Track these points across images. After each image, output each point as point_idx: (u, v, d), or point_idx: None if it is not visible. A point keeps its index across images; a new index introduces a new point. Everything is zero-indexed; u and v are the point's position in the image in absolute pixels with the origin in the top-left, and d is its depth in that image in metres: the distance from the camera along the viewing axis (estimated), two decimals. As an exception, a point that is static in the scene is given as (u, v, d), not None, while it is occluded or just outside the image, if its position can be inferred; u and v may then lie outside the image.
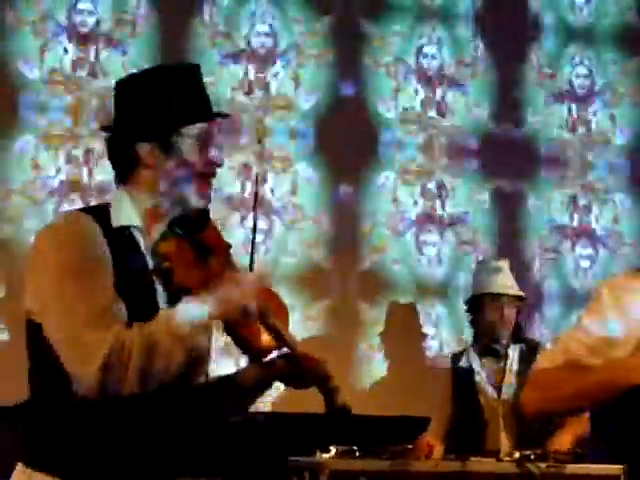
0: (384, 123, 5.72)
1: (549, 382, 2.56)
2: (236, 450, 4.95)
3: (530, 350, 4.77)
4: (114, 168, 2.43)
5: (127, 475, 2.29)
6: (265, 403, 5.21)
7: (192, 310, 2.27)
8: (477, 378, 4.76)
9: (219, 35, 5.50)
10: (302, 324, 5.41)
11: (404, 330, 5.75)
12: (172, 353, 2.23)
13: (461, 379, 4.78)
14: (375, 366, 5.62)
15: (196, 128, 2.40)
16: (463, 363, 4.81)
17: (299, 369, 2.38)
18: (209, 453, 4.66)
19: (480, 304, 4.80)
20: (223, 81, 5.44)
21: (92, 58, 5.27)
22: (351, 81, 5.73)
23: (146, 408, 2.28)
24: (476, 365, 4.79)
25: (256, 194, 2.73)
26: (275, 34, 5.62)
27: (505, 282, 4.79)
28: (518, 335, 4.84)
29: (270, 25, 5.61)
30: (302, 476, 4.09)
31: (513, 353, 4.79)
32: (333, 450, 4.14)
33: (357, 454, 4.16)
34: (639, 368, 2.43)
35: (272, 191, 5.53)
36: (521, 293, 4.84)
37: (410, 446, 4.22)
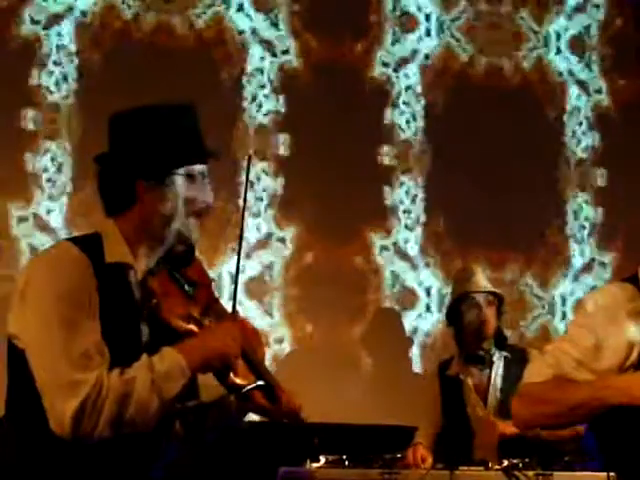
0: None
1: (538, 397, 2.57)
2: (226, 460, 4.97)
3: (516, 358, 4.78)
4: (106, 200, 2.48)
5: None
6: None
7: (171, 361, 2.31)
8: (464, 387, 4.78)
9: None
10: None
11: (392, 338, 5.81)
12: (148, 403, 2.27)
13: (448, 388, 4.80)
14: (365, 375, 5.66)
15: (193, 168, 2.46)
16: (450, 372, 4.84)
17: (273, 401, 2.45)
18: (199, 463, 4.70)
19: (458, 309, 4.82)
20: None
21: None
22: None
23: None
24: (462, 374, 4.81)
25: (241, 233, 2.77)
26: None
27: (478, 282, 4.82)
28: (502, 342, 4.85)
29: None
30: (292, 486, 4.11)
31: (498, 361, 4.80)
32: (323, 459, 4.16)
33: (347, 463, 4.18)
34: (623, 390, 2.44)
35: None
36: (496, 290, 4.86)
37: (400, 455, 4.24)
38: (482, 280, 4.85)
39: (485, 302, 4.79)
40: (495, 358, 4.80)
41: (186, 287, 2.46)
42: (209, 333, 2.39)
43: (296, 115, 5.79)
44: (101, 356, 2.29)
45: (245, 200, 2.74)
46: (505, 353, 4.81)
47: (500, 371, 4.78)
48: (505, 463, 4.29)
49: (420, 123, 6.03)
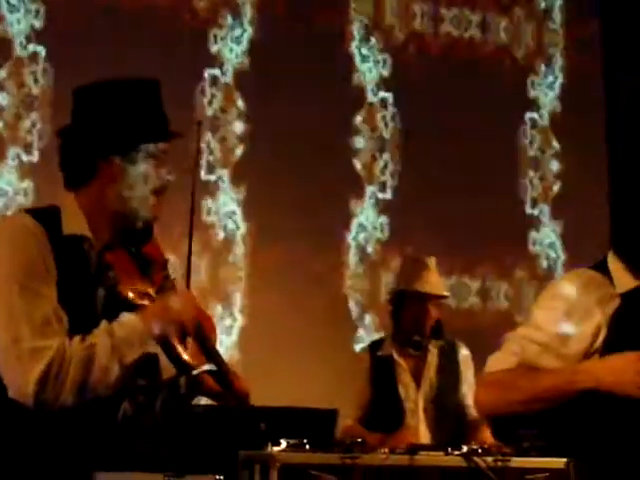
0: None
1: (503, 384, 2.56)
2: (187, 443, 4.96)
3: (449, 350, 4.82)
4: (67, 174, 2.47)
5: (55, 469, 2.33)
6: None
7: (131, 326, 2.33)
8: (397, 368, 4.77)
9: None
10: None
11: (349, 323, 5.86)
12: (109, 368, 2.28)
13: (380, 368, 4.77)
14: (326, 361, 5.68)
15: (155, 146, 2.45)
16: (382, 352, 4.81)
17: (224, 385, 2.46)
18: (159, 446, 4.69)
19: (405, 299, 4.80)
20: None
21: None
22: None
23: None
24: (396, 355, 4.79)
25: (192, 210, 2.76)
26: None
27: (433, 281, 4.79)
28: (439, 331, 4.84)
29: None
30: (253, 469, 4.11)
31: (433, 349, 4.82)
32: (284, 443, 4.16)
33: (308, 447, 4.19)
34: (591, 374, 2.45)
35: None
36: (447, 294, 4.85)
37: (360, 440, 4.25)
38: (435, 280, 4.81)
39: (433, 301, 4.78)
40: (431, 346, 4.81)
41: (142, 264, 2.46)
42: (166, 300, 2.40)
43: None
44: (60, 323, 2.30)
45: (196, 166, 2.73)
46: (441, 342, 4.83)
47: (435, 360, 4.79)
48: (465, 448, 4.33)
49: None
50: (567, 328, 2.53)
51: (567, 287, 2.59)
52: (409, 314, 4.78)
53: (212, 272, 5.73)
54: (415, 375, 4.77)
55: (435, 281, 4.80)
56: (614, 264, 2.57)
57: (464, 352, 4.85)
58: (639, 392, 2.37)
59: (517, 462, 4.26)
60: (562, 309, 2.55)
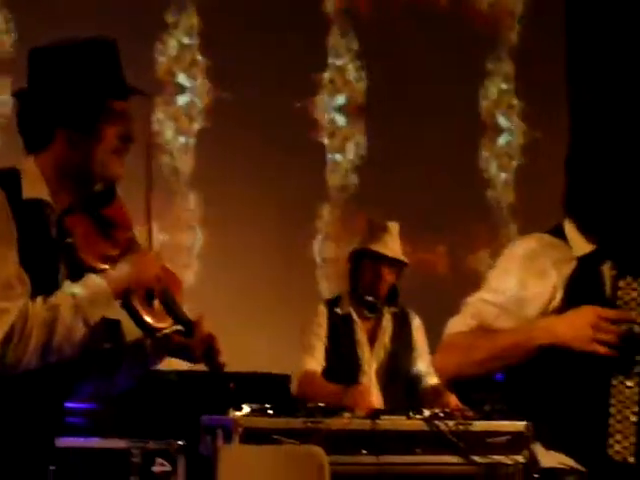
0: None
1: (462, 347, 2.55)
2: (149, 409, 4.96)
3: (402, 318, 4.82)
4: (25, 138, 2.44)
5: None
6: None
7: (94, 286, 2.31)
8: (355, 327, 4.76)
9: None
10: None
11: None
12: (73, 328, 2.27)
13: (339, 325, 4.76)
14: (290, 326, 5.69)
15: (113, 105, 2.42)
16: (341, 310, 4.79)
17: (190, 345, 2.45)
18: (122, 412, 4.69)
19: (362, 259, 4.78)
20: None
21: None
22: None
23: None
24: (355, 315, 4.78)
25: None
26: None
27: (390, 244, 4.77)
28: (393, 297, 4.84)
29: None
30: (215, 434, 4.12)
31: (387, 315, 4.81)
32: (246, 408, 4.17)
33: (270, 412, 4.20)
34: (548, 330, 2.46)
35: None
36: (404, 259, 4.82)
37: (322, 404, 4.26)
38: (394, 244, 4.79)
39: (388, 265, 4.76)
40: (385, 312, 4.81)
41: (104, 227, 2.43)
42: (130, 261, 2.38)
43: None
44: (23, 285, 2.27)
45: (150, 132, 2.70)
46: (395, 309, 4.84)
47: (390, 326, 4.79)
48: (427, 413, 4.36)
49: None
50: (523, 289, 2.53)
51: (523, 249, 2.59)
52: (364, 274, 4.76)
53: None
54: (370, 338, 4.77)
55: (393, 245, 4.78)
56: (570, 229, 2.58)
57: (416, 321, 4.85)
58: (595, 346, 2.39)
59: (478, 426, 4.30)
60: (518, 271, 2.55)
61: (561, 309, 2.50)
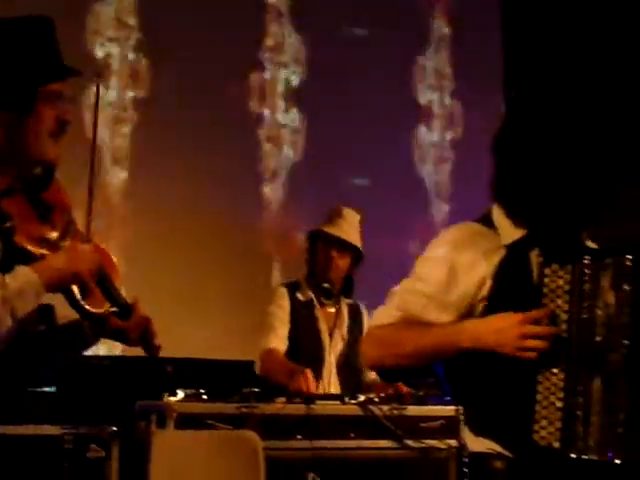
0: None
1: (388, 339, 2.56)
2: (84, 394, 4.93)
3: (357, 310, 4.85)
4: None
5: None
6: (115, 347, 5.22)
7: (24, 279, 2.29)
8: (317, 314, 4.79)
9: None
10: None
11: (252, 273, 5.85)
12: (1, 319, 2.25)
13: (301, 310, 4.77)
14: (225, 311, 5.68)
15: (51, 86, 2.39)
16: (303, 296, 4.80)
17: (127, 327, 2.44)
18: (55, 399, 4.65)
19: (316, 242, 4.79)
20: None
21: None
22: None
23: None
24: (315, 301, 4.79)
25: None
26: None
27: (344, 227, 4.78)
28: (348, 289, 4.85)
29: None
30: (149, 419, 4.10)
31: (344, 306, 4.84)
32: (181, 394, 4.15)
33: (205, 397, 4.19)
34: (473, 334, 2.47)
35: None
36: (356, 244, 4.80)
37: (257, 390, 4.26)
38: (348, 229, 4.80)
39: (338, 249, 4.76)
40: (342, 303, 4.83)
41: (43, 210, 2.41)
42: (65, 253, 2.36)
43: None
44: None
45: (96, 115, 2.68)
46: (350, 302, 4.85)
47: (347, 318, 4.81)
48: (361, 397, 4.38)
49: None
50: (452, 279, 2.53)
51: (452, 239, 2.59)
52: (318, 257, 4.77)
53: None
54: (329, 327, 4.78)
55: (347, 230, 4.78)
56: (499, 216, 2.57)
57: (367, 316, 4.83)
58: (517, 351, 2.41)
59: (412, 410, 4.33)
60: (447, 260, 2.54)
61: (490, 299, 2.51)
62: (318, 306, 4.79)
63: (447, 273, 2.53)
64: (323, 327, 4.77)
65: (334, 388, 4.67)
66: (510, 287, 2.50)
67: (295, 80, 6.25)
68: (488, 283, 2.51)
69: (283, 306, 4.76)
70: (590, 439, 2.37)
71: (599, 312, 2.40)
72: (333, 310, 4.82)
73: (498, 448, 2.49)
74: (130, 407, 4.21)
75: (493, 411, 2.51)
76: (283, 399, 4.22)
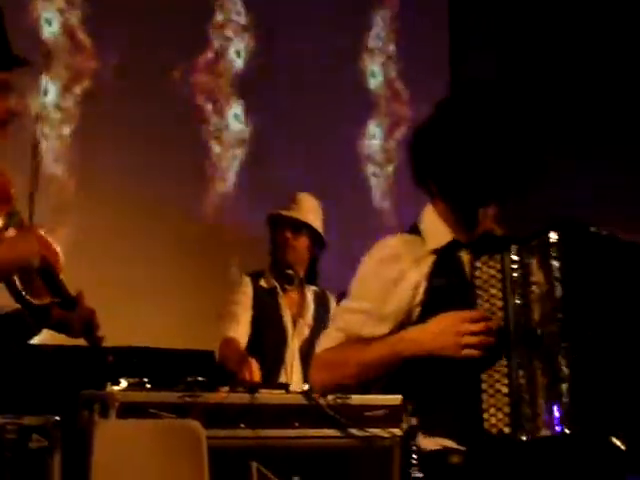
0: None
1: (332, 362, 2.62)
2: (26, 383, 4.89)
3: (323, 297, 4.84)
4: None
5: None
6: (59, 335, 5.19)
7: None
8: (280, 301, 4.77)
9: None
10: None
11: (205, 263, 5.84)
12: None
13: (264, 299, 4.76)
14: (171, 299, 5.67)
15: None
16: (266, 284, 4.79)
17: (70, 319, 2.43)
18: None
19: (275, 227, 4.78)
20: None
21: None
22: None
23: None
24: (279, 289, 4.78)
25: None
26: None
27: (297, 209, 4.78)
28: (312, 276, 4.85)
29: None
30: (92, 409, 4.07)
31: (309, 294, 4.83)
32: (124, 382, 4.13)
33: (148, 386, 4.17)
34: (413, 342, 2.52)
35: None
36: (310, 223, 4.78)
37: (201, 379, 4.24)
38: (302, 210, 4.79)
39: (292, 230, 4.76)
40: (307, 291, 4.82)
41: None
42: (6, 243, 2.34)
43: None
44: None
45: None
46: (315, 289, 4.85)
47: (312, 306, 4.81)
48: (306, 387, 4.39)
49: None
50: (386, 291, 2.58)
51: (382, 252, 2.65)
52: (276, 242, 4.77)
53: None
54: (294, 314, 4.78)
55: (299, 210, 4.77)
56: (428, 221, 2.65)
57: (334, 303, 4.83)
58: (460, 351, 2.45)
59: (356, 399, 4.34)
60: (378, 275, 2.60)
61: (424, 302, 2.57)
62: (281, 293, 4.78)
63: (380, 287, 2.59)
64: (286, 314, 4.77)
65: (297, 374, 4.66)
66: (443, 287, 2.56)
67: (240, 66, 6.23)
68: (421, 288, 2.58)
69: (246, 293, 4.75)
70: (538, 418, 2.41)
71: (532, 294, 2.46)
72: (297, 297, 4.80)
73: (452, 444, 2.54)
74: (73, 397, 4.19)
75: (443, 409, 2.56)
76: (227, 388, 4.21)
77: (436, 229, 2.63)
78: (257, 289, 4.77)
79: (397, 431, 4.35)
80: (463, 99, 2.58)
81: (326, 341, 2.66)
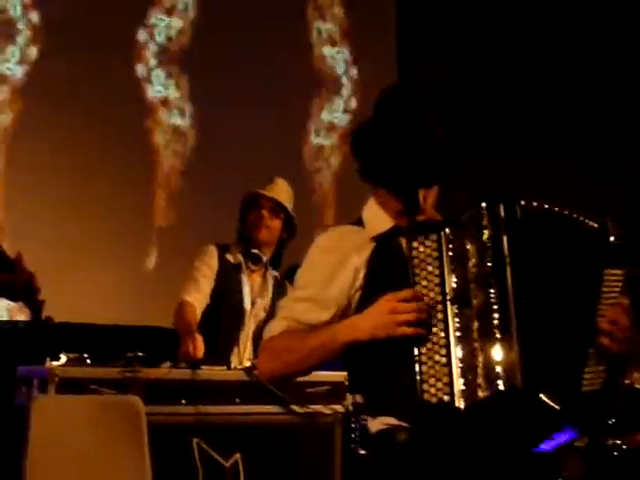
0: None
1: (277, 350, 2.65)
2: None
3: (282, 284, 4.79)
4: None
5: None
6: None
7: None
8: (243, 279, 4.74)
9: None
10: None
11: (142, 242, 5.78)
12: None
13: (229, 272, 4.72)
14: (113, 274, 5.62)
15: None
16: (233, 259, 4.75)
17: (10, 282, 2.39)
18: None
19: (247, 206, 4.76)
20: None
21: None
22: None
23: None
24: (244, 267, 4.75)
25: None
26: None
27: (276, 191, 4.76)
28: (277, 261, 4.82)
29: None
30: (31, 385, 4.03)
31: (270, 277, 4.80)
32: (63, 358, 4.08)
33: (88, 362, 4.12)
34: (351, 327, 2.56)
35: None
36: (286, 205, 4.77)
37: (142, 354, 4.21)
38: (280, 192, 4.77)
39: (269, 210, 4.73)
40: (268, 274, 4.80)
41: None
42: None
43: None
44: None
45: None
46: (276, 273, 4.83)
47: (271, 289, 4.78)
48: (248, 364, 4.37)
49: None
50: (329, 278, 2.65)
51: (324, 241, 2.73)
52: (248, 219, 4.73)
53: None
54: (253, 295, 4.74)
55: (278, 192, 4.75)
56: (370, 211, 2.74)
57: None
58: (396, 330, 2.49)
59: (300, 376, 4.31)
60: (322, 262, 2.67)
61: (364, 286, 2.63)
62: (247, 271, 4.75)
63: (323, 274, 2.66)
64: (247, 293, 4.73)
65: (248, 355, 4.63)
66: (382, 272, 2.62)
67: (181, 43, 6.18)
68: (361, 273, 2.64)
69: (211, 264, 4.72)
70: (475, 385, 2.44)
71: (468, 268, 2.52)
72: (259, 278, 4.78)
73: (396, 421, 2.56)
74: (11, 372, 4.13)
75: (384, 388, 2.59)
76: (168, 364, 4.18)
77: (378, 218, 2.72)
78: (223, 262, 4.74)
79: (339, 408, 4.35)
80: (394, 99, 2.70)
81: (272, 330, 2.70)
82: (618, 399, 2.61)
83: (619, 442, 4.32)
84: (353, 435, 3.45)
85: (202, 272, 4.69)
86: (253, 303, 4.73)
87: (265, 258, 4.76)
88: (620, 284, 2.62)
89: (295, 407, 4.30)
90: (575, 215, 2.62)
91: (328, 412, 4.34)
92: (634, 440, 5.18)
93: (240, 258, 4.76)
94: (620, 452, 4.29)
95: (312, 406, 4.33)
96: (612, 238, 2.63)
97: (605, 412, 2.59)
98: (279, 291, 4.75)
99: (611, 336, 2.56)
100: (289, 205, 4.79)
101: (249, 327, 4.69)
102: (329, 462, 4.35)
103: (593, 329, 2.57)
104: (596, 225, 2.64)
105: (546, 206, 2.59)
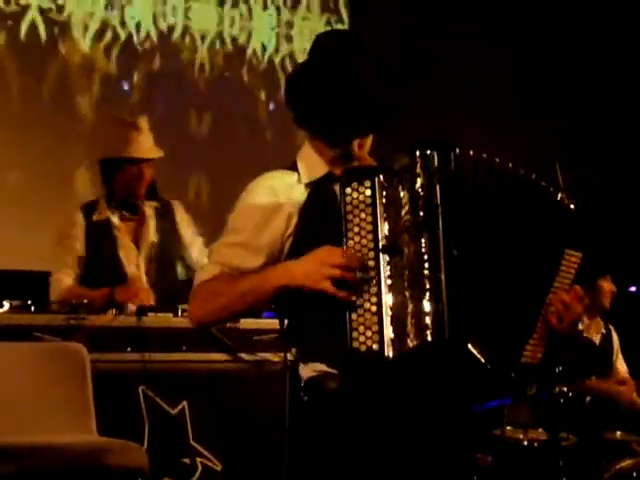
0: None
1: (207, 294, 2.63)
2: None
3: (165, 210, 4.71)
4: None
5: None
6: None
7: None
8: (116, 232, 4.62)
9: None
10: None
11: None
12: None
13: (97, 232, 4.59)
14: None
15: None
16: (98, 217, 4.62)
17: None
18: None
19: (119, 165, 4.58)
20: None
21: None
22: None
23: None
24: (115, 219, 4.63)
25: None
26: None
27: (147, 144, 4.63)
28: (152, 192, 4.70)
29: None
30: (-28, 333, 3.98)
31: (149, 210, 4.69)
32: (7, 305, 4.03)
33: (32, 309, 4.08)
34: (284, 271, 2.55)
35: None
36: (161, 154, 4.67)
37: (86, 301, 4.16)
38: (149, 143, 4.64)
39: (147, 165, 4.60)
40: (146, 208, 4.69)
41: None
42: None
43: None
44: None
45: None
46: (155, 204, 4.73)
47: (153, 222, 4.68)
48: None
49: None
50: (262, 223, 2.62)
51: (256, 187, 2.68)
52: (123, 179, 4.59)
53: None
54: (135, 239, 4.64)
55: (149, 144, 4.63)
56: (305, 157, 2.70)
57: (180, 209, 4.75)
58: (324, 284, 2.47)
59: (245, 323, 4.29)
60: (254, 207, 2.64)
61: (295, 232, 2.61)
62: (118, 222, 4.62)
63: (256, 219, 2.63)
64: (126, 242, 4.61)
65: (147, 299, 4.48)
66: (315, 218, 2.59)
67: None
68: (294, 220, 2.62)
69: (75, 235, 4.57)
70: (403, 333, 2.42)
71: (401, 215, 2.48)
72: (136, 221, 4.66)
73: (325, 368, 2.56)
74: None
75: (314, 335, 2.59)
76: (113, 311, 4.14)
77: (312, 164, 2.68)
78: (89, 225, 4.59)
79: (289, 356, 4.32)
80: (328, 46, 2.64)
81: (203, 274, 2.67)
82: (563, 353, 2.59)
83: (565, 389, 4.35)
84: (299, 383, 3.43)
85: (67, 248, 4.55)
86: (138, 246, 4.61)
87: (141, 202, 4.65)
88: (576, 267, 2.57)
89: (242, 355, 4.28)
90: (522, 171, 2.56)
91: (276, 359, 4.32)
92: (584, 386, 5.24)
93: (107, 213, 4.62)
94: (566, 399, 4.32)
95: (260, 354, 4.30)
96: (572, 206, 2.59)
97: (540, 386, 2.57)
98: (164, 216, 4.68)
99: (560, 318, 2.54)
100: (158, 151, 4.66)
101: (140, 273, 4.58)
102: (277, 409, 4.33)
103: (542, 304, 2.55)
104: (551, 188, 2.59)
105: (484, 155, 2.54)
